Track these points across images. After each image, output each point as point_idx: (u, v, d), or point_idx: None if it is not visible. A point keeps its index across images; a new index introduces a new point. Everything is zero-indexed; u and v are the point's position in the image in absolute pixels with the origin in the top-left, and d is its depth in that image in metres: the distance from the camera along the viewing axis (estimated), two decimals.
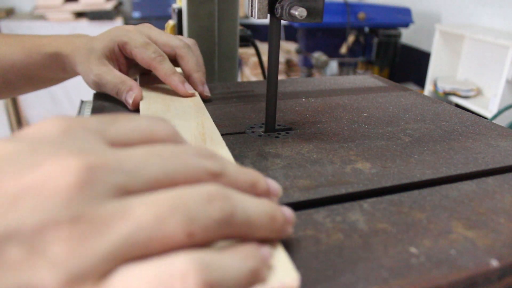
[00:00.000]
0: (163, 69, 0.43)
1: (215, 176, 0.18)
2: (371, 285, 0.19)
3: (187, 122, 0.36)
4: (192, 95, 0.44)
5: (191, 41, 0.48)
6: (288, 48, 2.71)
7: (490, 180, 0.30)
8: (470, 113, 0.45)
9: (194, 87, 0.46)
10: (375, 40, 2.44)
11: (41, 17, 2.45)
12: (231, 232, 0.17)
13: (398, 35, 2.43)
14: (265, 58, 0.44)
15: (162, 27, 0.49)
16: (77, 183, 0.15)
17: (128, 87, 0.42)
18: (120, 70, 0.46)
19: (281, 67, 2.60)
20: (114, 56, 0.45)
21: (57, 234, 0.14)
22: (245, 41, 0.67)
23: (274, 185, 0.21)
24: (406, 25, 2.47)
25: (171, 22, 0.64)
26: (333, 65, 2.64)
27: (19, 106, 2.49)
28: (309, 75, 2.50)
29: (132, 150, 0.17)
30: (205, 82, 0.47)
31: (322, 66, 2.34)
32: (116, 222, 0.15)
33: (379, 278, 0.20)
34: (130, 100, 0.42)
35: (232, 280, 0.15)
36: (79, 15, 2.47)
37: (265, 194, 0.20)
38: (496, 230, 0.24)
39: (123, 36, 0.44)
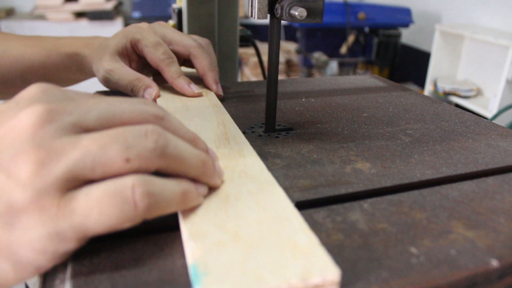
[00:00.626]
0: (170, 71, 0.43)
1: (158, 119, 0.22)
2: (371, 285, 0.19)
3: (208, 121, 0.36)
4: (199, 95, 0.43)
5: (205, 41, 0.49)
6: (288, 48, 2.71)
7: (490, 180, 0.30)
8: (470, 113, 0.45)
9: (208, 86, 0.46)
10: (375, 40, 2.44)
11: (41, 17, 2.44)
12: (165, 164, 0.21)
13: (398, 35, 2.43)
14: (265, 58, 0.44)
15: None
16: (38, 122, 0.19)
17: (146, 85, 0.42)
18: (132, 68, 0.46)
19: (281, 67, 2.60)
20: (126, 52, 0.45)
21: (25, 159, 0.18)
22: (245, 41, 0.67)
23: (212, 151, 0.26)
24: (406, 25, 2.47)
25: (171, 22, 0.64)
26: (333, 65, 2.64)
27: None
28: (309, 75, 2.50)
29: (88, 100, 0.21)
30: (218, 82, 0.47)
31: (322, 66, 2.34)
32: (69, 150, 0.19)
33: (379, 278, 0.20)
34: (149, 98, 0.42)
35: (167, 195, 0.20)
36: (79, 15, 2.47)
37: (203, 151, 0.24)
38: (496, 230, 0.24)
39: (136, 33, 0.44)
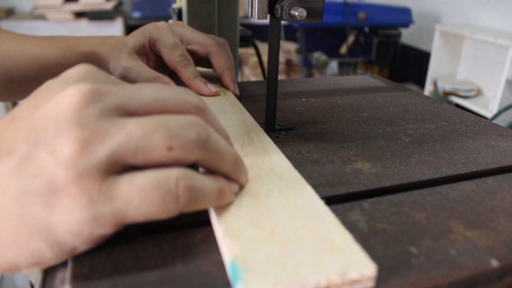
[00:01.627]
0: (187, 73, 0.44)
1: (199, 111, 0.22)
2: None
3: (229, 120, 0.36)
4: (216, 94, 0.44)
5: (222, 40, 0.49)
6: (288, 48, 2.71)
7: (490, 180, 0.30)
8: (470, 113, 0.45)
9: (226, 85, 0.46)
10: (375, 40, 2.44)
11: (41, 17, 2.44)
12: (204, 156, 0.21)
13: (398, 35, 2.43)
14: (265, 58, 0.45)
15: None
16: (83, 100, 0.19)
17: (164, 83, 0.43)
18: (150, 66, 0.46)
19: (281, 67, 2.60)
20: (144, 51, 0.46)
21: (69, 138, 0.18)
22: (245, 41, 0.67)
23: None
24: (406, 25, 2.47)
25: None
26: (333, 65, 2.64)
27: None
28: (309, 75, 2.50)
29: (131, 85, 0.21)
30: (235, 81, 0.47)
31: (322, 66, 2.34)
32: (113, 133, 0.19)
33: (379, 278, 0.20)
34: None
35: (207, 191, 0.20)
36: (79, 15, 2.47)
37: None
38: (496, 230, 0.24)
39: (154, 33, 0.45)
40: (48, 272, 0.22)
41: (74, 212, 0.18)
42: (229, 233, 0.20)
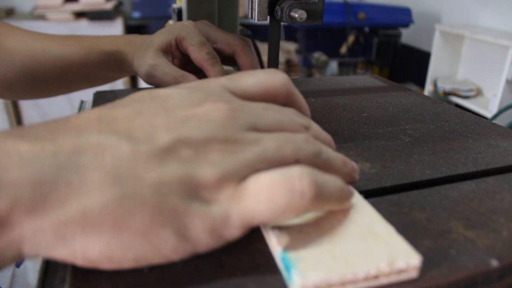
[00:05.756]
0: (214, 71, 0.44)
1: (306, 128, 0.24)
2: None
3: None
4: None
5: (247, 40, 0.49)
6: (288, 48, 2.71)
7: (490, 180, 0.30)
8: (470, 113, 0.45)
9: None
10: (375, 40, 2.44)
11: (41, 17, 2.44)
12: (319, 165, 0.22)
13: (398, 35, 2.43)
14: (265, 58, 0.45)
15: (162, 27, 0.49)
16: (226, 116, 0.21)
17: (190, 82, 0.43)
18: (175, 65, 0.47)
19: (281, 67, 2.60)
20: (170, 49, 0.46)
21: (214, 147, 0.20)
22: None
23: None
24: (406, 25, 2.46)
25: (171, 22, 0.64)
26: (333, 65, 2.64)
27: (19, 107, 2.49)
28: (309, 75, 2.50)
29: (255, 103, 0.24)
30: None
31: (322, 66, 2.34)
32: (252, 145, 0.20)
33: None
34: None
35: (329, 188, 0.21)
36: (79, 15, 2.47)
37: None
38: (496, 230, 0.24)
39: (181, 31, 0.45)
40: (48, 272, 0.22)
41: (210, 207, 0.19)
42: (277, 225, 0.21)
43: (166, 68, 0.44)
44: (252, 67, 0.46)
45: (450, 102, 2.10)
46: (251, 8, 0.34)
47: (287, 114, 0.24)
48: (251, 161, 0.20)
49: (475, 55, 2.23)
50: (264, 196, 0.19)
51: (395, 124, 0.41)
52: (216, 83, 0.24)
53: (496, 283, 0.21)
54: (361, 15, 2.35)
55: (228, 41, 0.46)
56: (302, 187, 0.19)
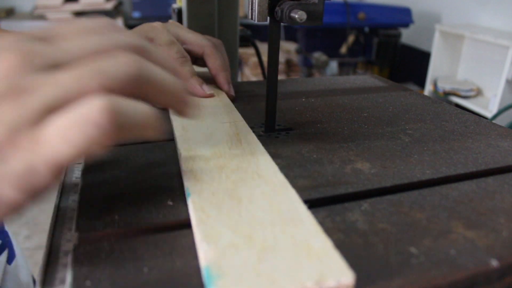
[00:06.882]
0: (183, 70, 0.44)
1: (141, 51, 0.22)
2: (371, 285, 0.19)
3: (220, 121, 0.36)
4: (210, 96, 0.43)
5: (217, 41, 0.49)
6: (288, 48, 2.71)
7: (490, 180, 0.30)
8: (470, 113, 0.45)
9: (220, 86, 0.46)
10: (375, 40, 2.44)
11: (41, 17, 2.44)
12: (142, 90, 0.21)
13: (398, 35, 2.43)
14: (265, 58, 0.44)
15: None
16: (11, 66, 0.19)
17: None
18: None
19: (281, 67, 2.60)
20: None
21: (3, 99, 0.19)
22: (245, 41, 0.67)
23: (198, 78, 0.25)
24: (406, 25, 2.47)
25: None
26: (333, 65, 2.64)
27: None
28: (309, 75, 2.50)
29: (71, 31, 0.22)
30: (230, 82, 0.47)
31: (322, 66, 2.34)
32: (43, 86, 0.19)
33: (379, 278, 0.20)
34: None
35: (131, 115, 0.20)
36: (79, 15, 2.47)
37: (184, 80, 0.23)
38: (496, 230, 0.24)
39: (149, 32, 0.45)
40: (48, 272, 0.22)
41: (10, 164, 0.18)
42: (207, 238, 0.20)
43: None
44: (221, 69, 0.46)
45: (450, 102, 2.10)
46: (251, 9, 0.34)
47: (109, 37, 0.22)
48: (42, 105, 0.19)
49: (475, 55, 2.23)
50: (61, 138, 0.18)
51: (395, 124, 0.41)
52: (29, 34, 0.22)
53: (496, 283, 0.21)
54: (361, 15, 2.35)
55: (197, 42, 0.46)
56: (97, 120, 0.18)
